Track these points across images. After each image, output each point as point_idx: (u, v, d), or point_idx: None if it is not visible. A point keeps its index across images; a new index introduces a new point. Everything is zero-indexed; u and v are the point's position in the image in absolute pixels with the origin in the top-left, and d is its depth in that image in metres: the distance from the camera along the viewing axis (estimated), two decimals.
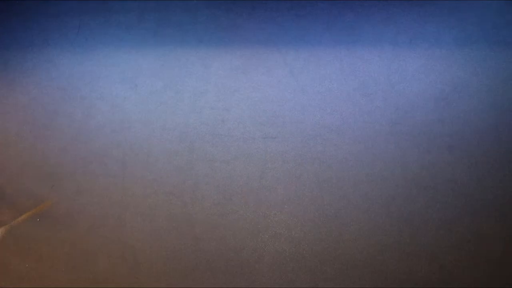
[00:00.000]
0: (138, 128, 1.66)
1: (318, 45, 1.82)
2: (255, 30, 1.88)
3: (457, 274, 1.33)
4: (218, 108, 1.70)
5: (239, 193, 1.50)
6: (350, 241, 1.39)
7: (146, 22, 1.94)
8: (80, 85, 1.78)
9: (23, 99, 1.75)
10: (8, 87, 1.78)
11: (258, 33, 1.87)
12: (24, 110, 1.72)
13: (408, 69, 1.74)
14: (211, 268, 1.37)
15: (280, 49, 1.82)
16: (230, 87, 1.75)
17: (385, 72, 1.74)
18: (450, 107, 1.65)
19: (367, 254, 1.37)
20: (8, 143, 1.65)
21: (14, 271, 1.40)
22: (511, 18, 1.84)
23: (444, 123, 1.61)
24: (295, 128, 1.63)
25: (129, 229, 1.45)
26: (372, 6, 1.91)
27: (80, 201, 1.51)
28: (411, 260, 1.35)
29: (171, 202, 1.49)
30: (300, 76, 1.76)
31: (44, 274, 1.39)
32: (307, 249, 1.39)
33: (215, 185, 1.52)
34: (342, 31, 1.86)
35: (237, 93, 1.73)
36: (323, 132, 1.62)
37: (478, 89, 1.68)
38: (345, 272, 1.35)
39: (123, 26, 1.93)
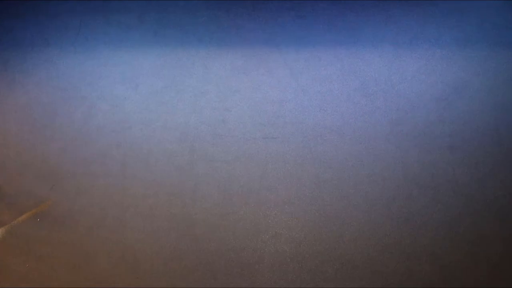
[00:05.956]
0: (138, 128, 1.66)
1: (318, 46, 1.82)
2: (255, 30, 1.88)
3: (457, 274, 1.33)
4: (219, 108, 1.70)
5: (240, 194, 1.50)
6: (351, 242, 1.39)
7: (147, 22, 1.93)
8: (80, 85, 1.78)
9: (23, 99, 1.75)
10: (8, 87, 1.78)
11: (259, 34, 1.87)
12: (24, 110, 1.72)
13: (409, 69, 1.75)
14: (211, 268, 1.37)
15: (280, 49, 1.82)
16: (231, 87, 1.75)
17: (386, 73, 1.74)
18: (451, 108, 1.65)
19: (368, 255, 1.37)
20: (8, 143, 1.65)
21: (14, 271, 1.39)
22: (511, 18, 1.84)
23: (444, 124, 1.61)
24: (296, 129, 1.63)
25: (129, 229, 1.45)
26: (373, 6, 1.91)
27: (80, 201, 1.51)
28: (412, 261, 1.36)
29: (171, 202, 1.49)
30: (300, 76, 1.76)
31: (44, 274, 1.38)
32: (307, 249, 1.39)
33: (216, 185, 1.52)
34: (342, 31, 1.86)
35: (238, 94, 1.73)
36: (324, 132, 1.62)
37: (478, 90, 1.68)
38: (345, 273, 1.35)
39: (124, 26, 1.93)
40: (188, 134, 1.64)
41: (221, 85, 1.75)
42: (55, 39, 1.91)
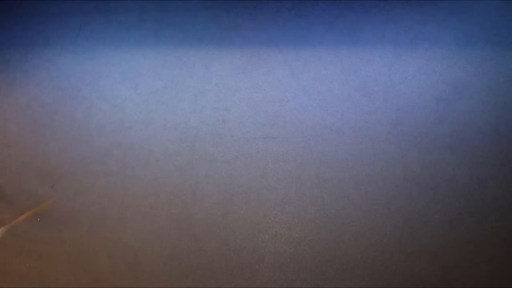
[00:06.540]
0: (138, 128, 1.66)
1: (319, 46, 1.82)
2: (256, 30, 1.88)
3: (457, 274, 1.33)
4: (219, 108, 1.70)
5: (240, 193, 1.50)
6: (351, 241, 1.39)
7: (147, 22, 1.94)
8: (80, 85, 1.78)
9: (24, 99, 1.75)
10: (8, 87, 1.78)
11: (259, 33, 1.87)
12: (24, 110, 1.72)
13: (409, 69, 1.75)
14: (212, 268, 1.37)
15: (281, 49, 1.82)
16: (231, 87, 1.75)
17: (386, 73, 1.74)
18: (451, 108, 1.65)
19: (368, 254, 1.37)
20: (9, 143, 1.65)
21: (14, 271, 1.39)
22: (511, 18, 1.84)
23: (444, 124, 1.61)
24: (296, 128, 1.63)
25: (129, 229, 1.45)
26: (373, 6, 1.91)
27: (81, 201, 1.51)
28: (412, 260, 1.35)
29: (172, 202, 1.49)
30: (301, 76, 1.76)
31: (44, 274, 1.39)
32: (307, 249, 1.39)
33: (216, 185, 1.52)
34: (343, 31, 1.86)
35: (238, 93, 1.73)
36: (324, 132, 1.62)
37: (478, 90, 1.68)
38: (345, 272, 1.35)
39: (124, 26, 1.93)
40: (188, 134, 1.64)
41: (221, 85, 1.75)
42: (55, 39, 1.91)
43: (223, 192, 1.50)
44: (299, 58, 1.80)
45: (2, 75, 1.82)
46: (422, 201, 1.45)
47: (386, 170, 1.52)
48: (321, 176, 1.52)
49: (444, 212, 1.43)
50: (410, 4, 1.92)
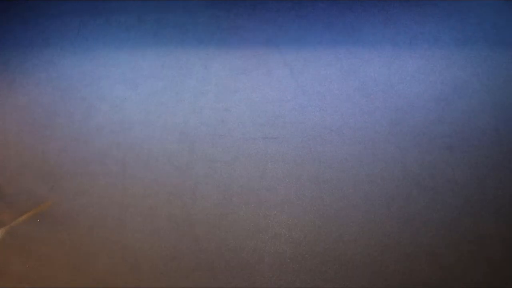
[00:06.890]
0: (138, 128, 1.66)
1: (318, 46, 1.82)
2: (255, 30, 1.88)
3: (457, 275, 1.33)
4: (218, 109, 1.70)
5: (239, 194, 1.50)
6: (350, 242, 1.39)
7: (147, 22, 1.94)
8: (80, 85, 1.78)
9: (23, 99, 1.75)
10: (8, 87, 1.78)
11: (259, 34, 1.87)
12: (24, 110, 1.72)
13: (408, 69, 1.75)
14: (211, 268, 1.37)
15: (280, 49, 1.82)
16: (230, 87, 1.75)
17: (385, 73, 1.74)
18: (450, 108, 1.65)
19: (367, 255, 1.37)
20: (8, 143, 1.65)
21: (14, 272, 1.39)
22: (511, 18, 1.84)
23: (444, 124, 1.61)
24: (295, 129, 1.63)
25: (129, 229, 1.45)
26: (372, 6, 1.92)
27: (80, 202, 1.51)
28: (411, 261, 1.35)
29: (171, 203, 1.49)
30: (300, 76, 1.76)
31: (44, 275, 1.39)
32: (307, 249, 1.39)
33: (215, 186, 1.52)
34: (342, 31, 1.86)
35: (237, 94, 1.73)
36: (323, 132, 1.62)
37: (478, 90, 1.68)
38: (345, 273, 1.35)
39: (124, 26, 1.93)
40: (188, 134, 1.64)
41: (220, 85, 1.75)
42: (55, 40, 1.91)
43: (222, 192, 1.50)
44: (299, 59, 1.80)
45: (2, 75, 1.82)
46: (421, 201, 1.45)
47: (385, 170, 1.52)
48: (321, 177, 1.52)
49: (444, 212, 1.43)
50: (409, 4, 1.92)
